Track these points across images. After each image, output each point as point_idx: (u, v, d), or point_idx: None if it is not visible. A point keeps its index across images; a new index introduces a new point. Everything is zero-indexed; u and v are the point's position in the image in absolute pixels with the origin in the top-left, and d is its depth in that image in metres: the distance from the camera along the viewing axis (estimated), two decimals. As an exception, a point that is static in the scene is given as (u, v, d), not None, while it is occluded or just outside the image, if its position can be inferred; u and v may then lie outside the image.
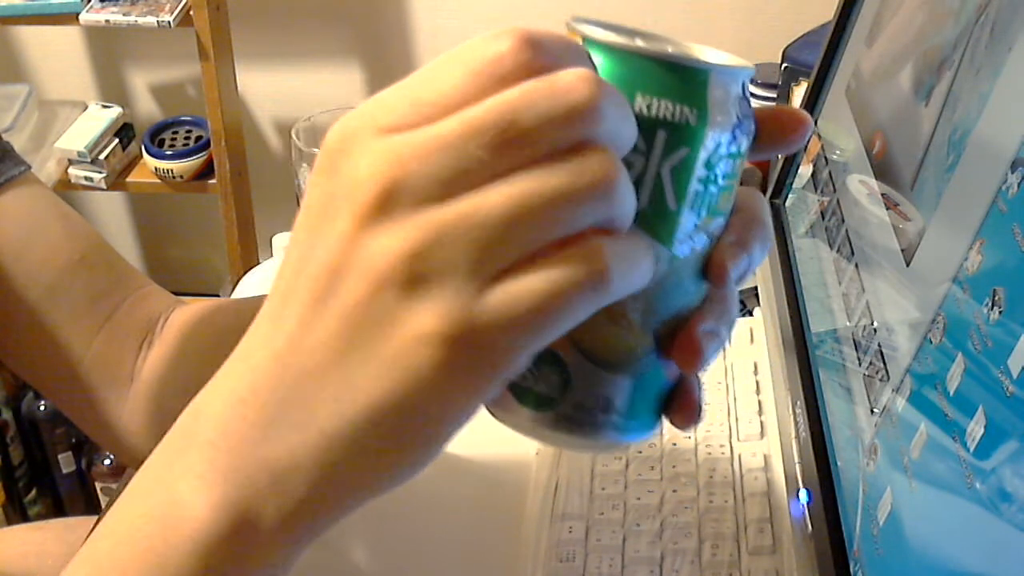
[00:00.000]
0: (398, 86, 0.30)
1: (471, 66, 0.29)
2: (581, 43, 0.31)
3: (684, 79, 0.31)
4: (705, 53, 0.33)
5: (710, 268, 0.33)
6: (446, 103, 0.29)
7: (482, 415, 0.31)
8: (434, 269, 0.28)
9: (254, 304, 0.49)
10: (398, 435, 0.30)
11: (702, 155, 0.31)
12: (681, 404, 0.35)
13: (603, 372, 0.33)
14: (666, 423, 0.35)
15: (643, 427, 0.35)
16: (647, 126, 0.30)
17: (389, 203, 0.28)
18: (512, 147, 0.28)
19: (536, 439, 0.34)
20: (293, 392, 0.30)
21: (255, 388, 0.30)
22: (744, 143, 0.32)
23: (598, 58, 0.31)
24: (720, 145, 0.31)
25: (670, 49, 0.32)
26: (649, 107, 0.30)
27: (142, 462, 0.33)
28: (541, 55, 0.28)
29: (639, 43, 0.31)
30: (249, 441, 0.30)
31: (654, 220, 0.31)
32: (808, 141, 0.34)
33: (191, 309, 0.65)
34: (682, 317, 0.33)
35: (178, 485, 0.31)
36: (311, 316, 0.30)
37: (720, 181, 0.32)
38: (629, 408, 0.34)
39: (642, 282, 0.30)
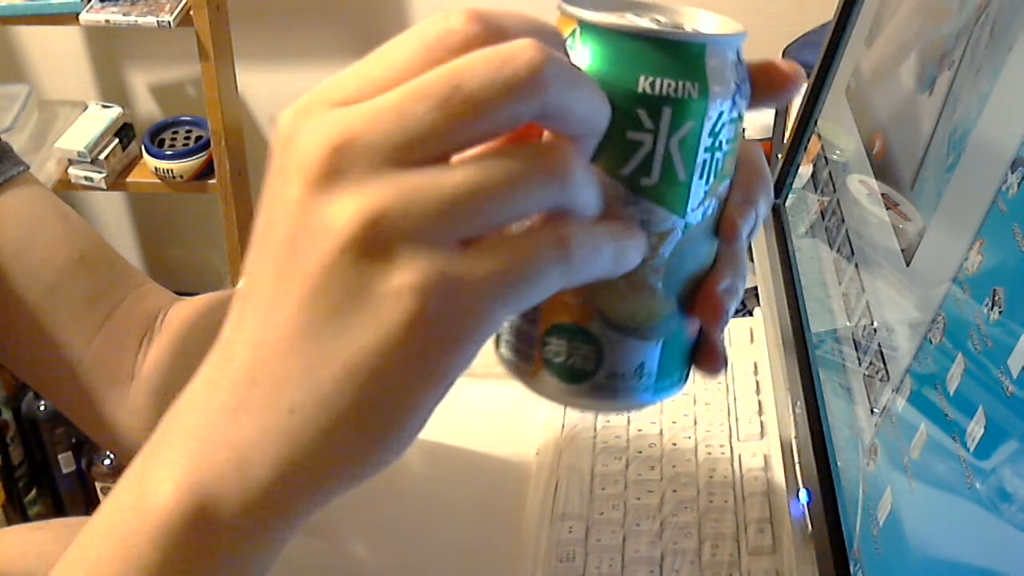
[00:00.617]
0: (353, 66, 0.30)
1: (422, 41, 0.29)
2: (576, 27, 0.32)
3: (681, 55, 0.31)
4: (697, 19, 0.34)
5: (722, 228, 0.34)
6: (395, 76, 0.29)
7: (480, 417, 0.31)
8: (398, 231, 0.28)
9: None
10: (372, 409, 0.29)
11: (707, 126, 0.32)
12: (707, 355, 0.37)
13: (633, 340, 0.34)
14: (668, 423, 0.36)
15: (675, 383, 0.36)
16: (653, 105, 0.31)
17: (339, 166, 0.28)
18: (460, 112, 0.28)
19: (571, 407, 0.36)
20: (263, 371, 0.29)
21: (228, 372, 0.30)
22: (743, 106, 0.33)
23: (596, 42, 0.31)
24: (722, 113, 0.32)
25: (663, 21, 0.33)
26: (652, 86, 0.31)
27: None
28: (491, 29, 0.29)
29: (633, 23, 0.32)
30: (219, 425, 0.30)
31: (667, 193, 0.32)
32: (800, 91, 0.35)
33: (190, 304, 0.66)
34: (700, 277, 0.35)
35: (151, 474, 0.31)
36: (276, 292, 0.29)
37: (725, 147, 0.33)
38: (660, 369, 0.35)
39: (606, 269, 0.31)
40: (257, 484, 0.30)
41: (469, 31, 0.29)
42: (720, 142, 0.33)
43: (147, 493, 0.31)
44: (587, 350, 0.34)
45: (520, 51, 0.28)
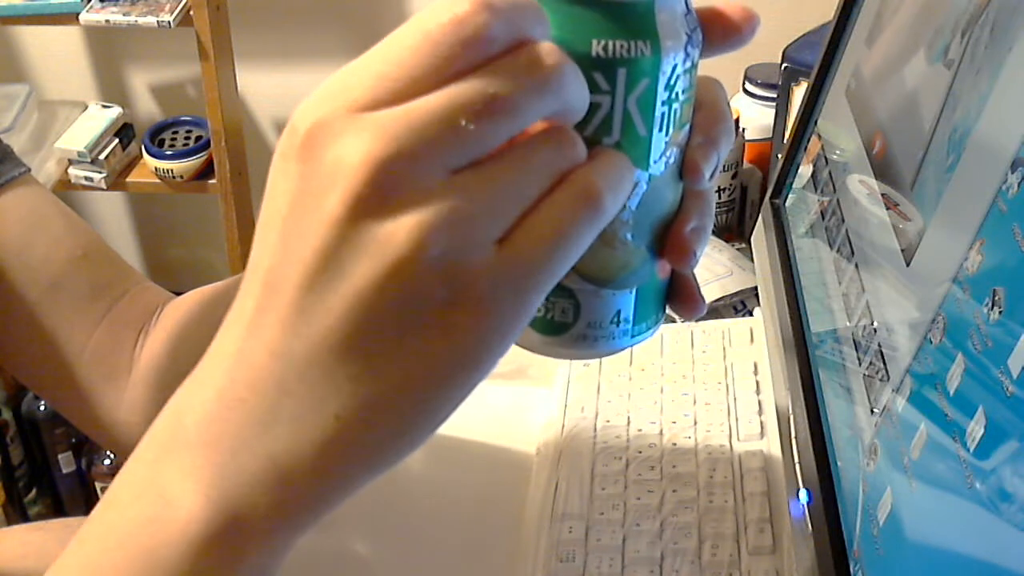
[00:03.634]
0: (359, 63, 0.30)
1: (432, 35, 0.29)
2: None
3: (631, 15, 0.32)
4: None
5: (685, 171, 0.35)
6: (413, 75, 0.29)
7: (480, 417, 0.32)
8: (463, 240, 0.29)
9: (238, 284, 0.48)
10: (428, 404, 0.30)
11: (662, 80, 0.33)
12: (683, 297, 0.38)
13: (608, 292, 0.35)
14: (668, 423, 0.36)
15: (651, 325, 0.38)
16: (608, 67, 0.32)
17: (389, 183, 0.28)
18: (499, 118, 0.29)
19: (553, 357, 0.37)
20: (298, 382, 0.29)
21: (250, 383, 0.30)
22: (696, 55, 0.34)
23: (550, 11, 0.32)
24: (676, 66, 0.33)
25: None
26: (606, 49, 0.32)
27: None
28: (498, 17, 0.29)
29: None
30: (247, 437, 0.30)
31: (630, 150, 0.33)
32: (754, 34, 0.35)
33: (186, 297, 0.66)
34: (668, 221, 0.36)
35: (170, 487, 0.30)
36: (307, 304, 0.29)
37: (681, 97, 0.34)
38: (636, 314, 0.37)
39: (627, 196, 0.33)
40: (295, 490, 0.30)
41: (478, 22, 0.29)
42: (676, 93, 0.33)
43: (171, 505, 0.30)
44: (565, 304, 0.35)
45: (546, 57, 0.29)
